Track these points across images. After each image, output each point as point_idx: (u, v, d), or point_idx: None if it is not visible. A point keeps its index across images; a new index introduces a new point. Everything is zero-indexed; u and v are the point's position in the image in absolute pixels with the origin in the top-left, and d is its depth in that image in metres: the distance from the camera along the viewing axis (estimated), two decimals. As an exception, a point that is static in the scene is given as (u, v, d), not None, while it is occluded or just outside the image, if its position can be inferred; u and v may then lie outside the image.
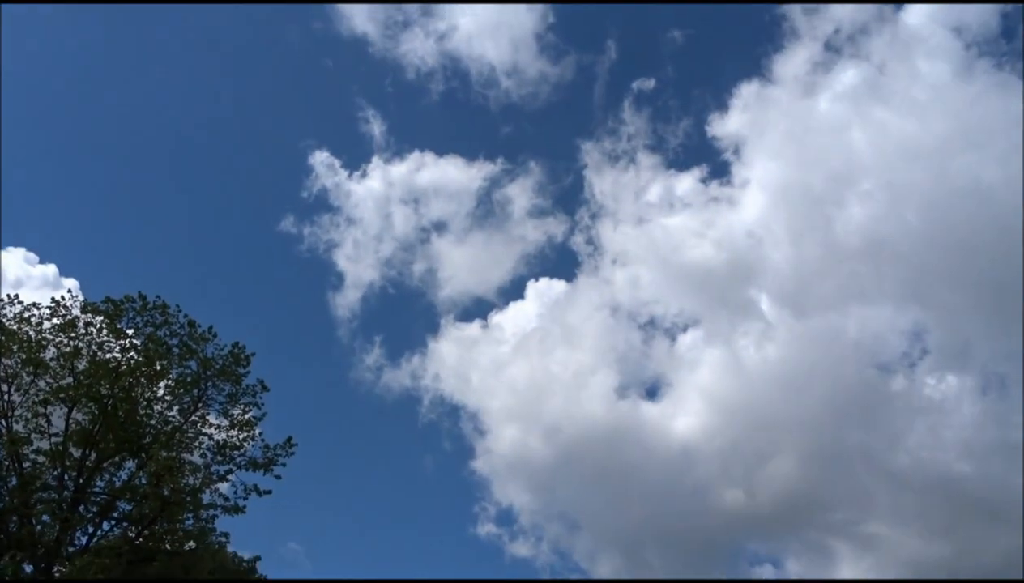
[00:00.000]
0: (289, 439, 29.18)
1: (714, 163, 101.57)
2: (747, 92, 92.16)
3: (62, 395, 27.38)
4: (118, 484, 28.12)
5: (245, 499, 28.20)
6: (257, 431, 29.13)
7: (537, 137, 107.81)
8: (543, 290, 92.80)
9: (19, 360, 27.09)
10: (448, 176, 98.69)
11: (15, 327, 27.44)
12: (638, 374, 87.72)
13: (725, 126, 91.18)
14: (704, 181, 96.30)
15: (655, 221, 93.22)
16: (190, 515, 27.66)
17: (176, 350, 28.90)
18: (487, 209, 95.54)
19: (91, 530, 27.30)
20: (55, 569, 25.91)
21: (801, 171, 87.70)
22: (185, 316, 28.93)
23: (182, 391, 28.93)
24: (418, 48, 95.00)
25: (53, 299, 28.29)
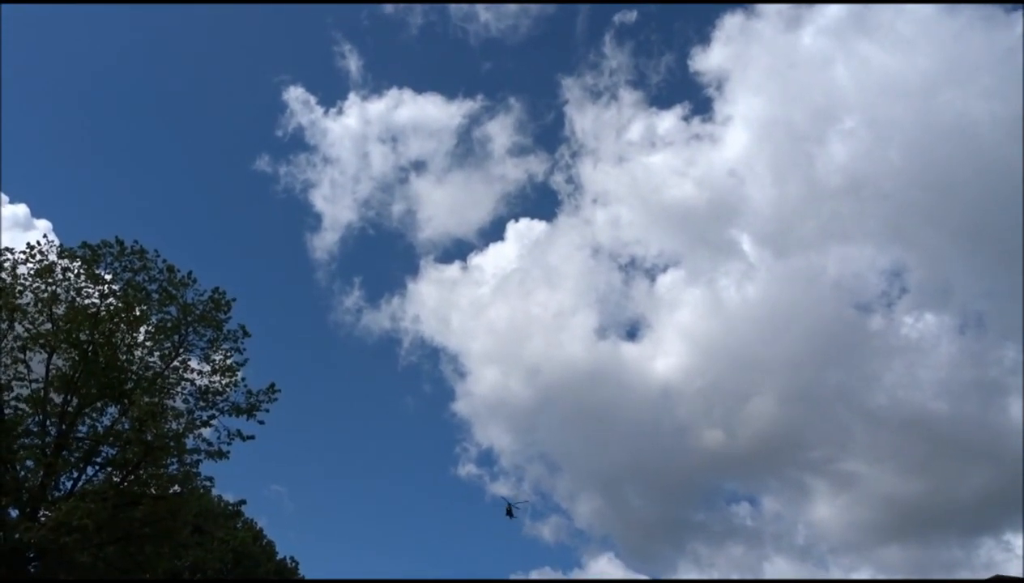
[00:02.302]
0: (272, 385, 29.30)
1: (696, 99, 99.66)
2: (730, 24, 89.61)
3: (41, 341, 27.17)
4: (101, 430, 28.14)
5: (229, 444, 28.42)
6: (239, 376, 29.07)
7: (517, 72, 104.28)
8: (523, 231, 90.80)
9: (-5, 306, 26.69)
10: (427, 113, 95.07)
11: (-10, 273, 26.99)
12: (618, 315, 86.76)
13: (708, 60, 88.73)
14: (686, 118, 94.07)
15: (636, 160, 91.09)
16: (174, 460, 27.79)
17: (155, 296, 28.73)
18: (467, 148, 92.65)
19: (75, 475, 27.43)
20: (40, 513, 26.04)
21: (784, 107, 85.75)
22: (164, 261, 28.77)
23: (162, 337, 28.79)
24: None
25: (28, 244, 27.85)
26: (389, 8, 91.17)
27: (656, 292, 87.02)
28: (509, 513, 53.22)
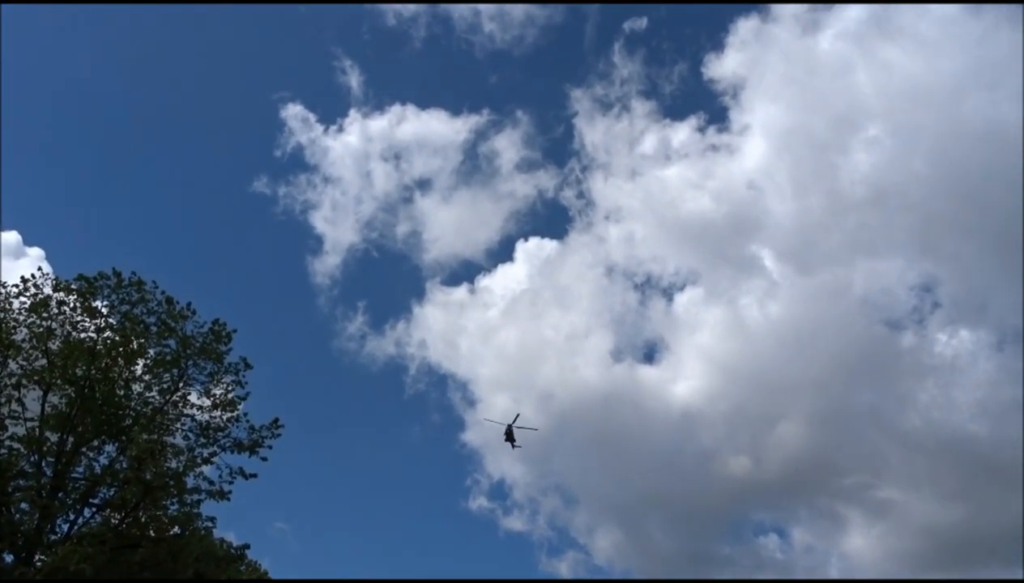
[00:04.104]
0: (275, 420, 28.33)
1: (712, 109, 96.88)
2: (744, 30, 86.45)
3: (36, 378, 26.30)
4: (98, 469, 27.18)
5: (231, 483, 27.39)
6: (241, 411, 28.16)
7: (525, 85, 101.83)
8: (533, 250, 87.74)
9: (-11, 342, 25.78)
10: (431, 129, 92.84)
11: (-18, 308, 26.07)
12: (635, 336, 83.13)
13: (722, 67, 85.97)
14: (701, 129, 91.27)
15: (650, 173, 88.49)
16: (174, 500, 26.82)
17: (154, 328, 27.85)
18: (473, 164, 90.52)
19: (72, 517, 26.41)
20: (36, 558, 25.05)
21: (803, 115, 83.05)
22: (162, 293, 27.95)
23: (161, 371, 27.92)
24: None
25: (23, 278, 26.92)
26: (391, 21, 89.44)
27: (674, 312, 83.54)
28: (510, 439, 47.44)
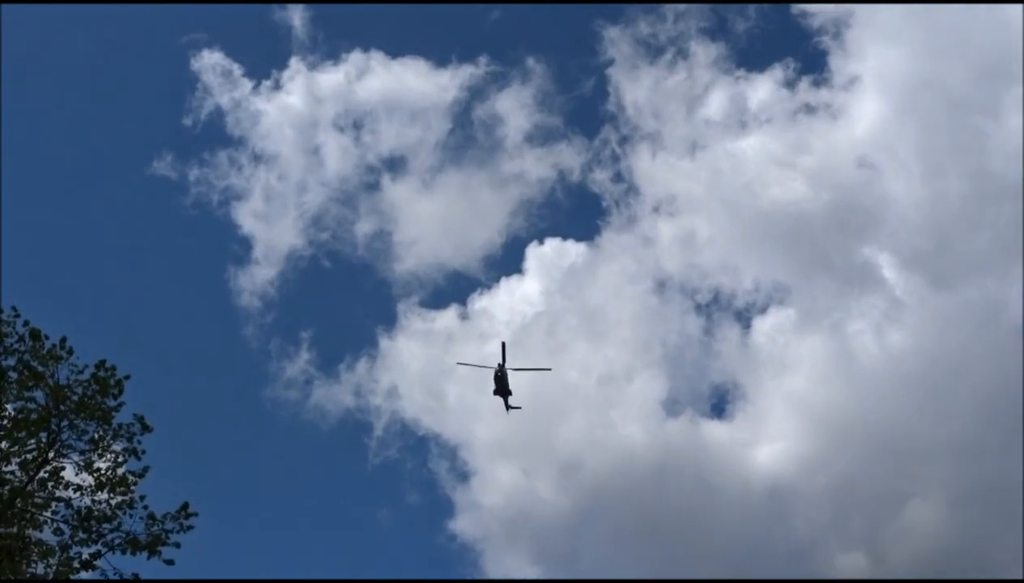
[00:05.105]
0: (184, 506, 22.00)
1: (805, 54, 67.12)
2: None
3: None
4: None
5: (121, 596, 21.48)
6: (136, 493, 22.03)
7: (537, 23, 73.84)
8: (551, 257, 64.04)
9: None
10: (406, 86, 67.10)
11: None
12: (697, 380, 61.05)
13: None
14: (790, 83, 65.81)
15: (718, 146, 64.92)
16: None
17: (12, 374, 21.98)
18: (466, 135, 66.10)
19: None
20: None
21: (936, 64, 61.43)
22: (25, 324, 21.87)
23: (23, 435, 21.82)
24: None
25: None
26: None
27: (753, 344, 62.53)
28: (502, 390, 41.81)
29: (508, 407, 44.22)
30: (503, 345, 41.95)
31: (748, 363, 61.51)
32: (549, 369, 43.76)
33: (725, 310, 62.14)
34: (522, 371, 42.49)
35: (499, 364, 41.62)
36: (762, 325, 61.85)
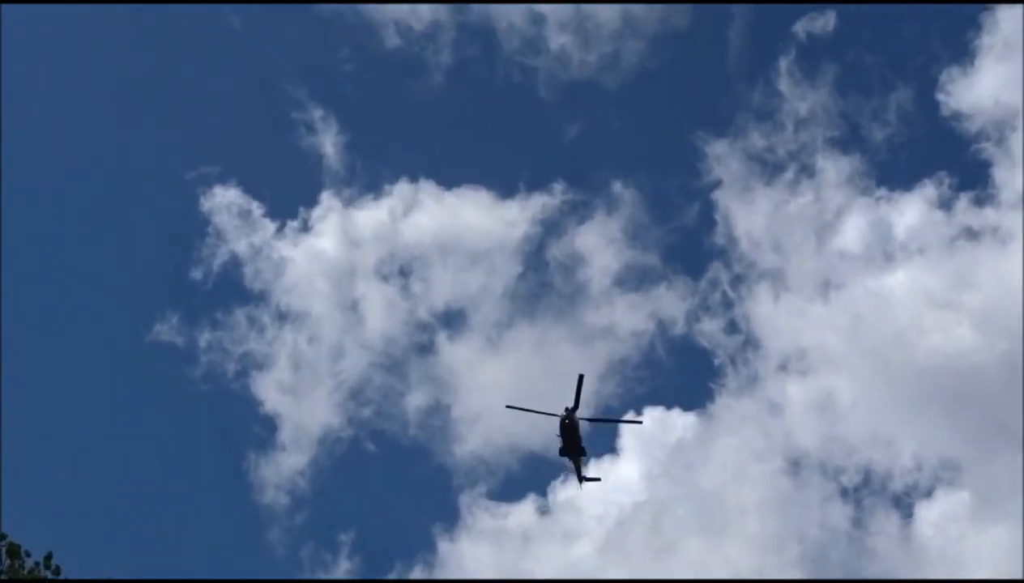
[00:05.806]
0: None
1: (962, 165, 57.05)
2: (1009, 23, 54.20)
3: None
4: None
5: None
6: None
7: (623, 139, 61.84)
8: (652, 431, 51.67)
9: None
10: (465, 223, 58.44)
11: None
12: None
13: (974, 90, 55.49)
14: (946, 202, 56.51)
15: (858, 284, 54.81)
16: None
17: None
18: (540, 279, 57.30)
19: None
20: None
21: None
22: (2, 539, 19.20)
23: None
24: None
25: None
26: (393, 38, 57.33)
27: (917, 536, 51.22)
28: (572, 448, 32.95)
29: (581, 478, 34.96)
30: (580, 378, 31.93)
31: (912, 562, 51.70)
32: (640, 422, 36.79)
33: (879, 494, 50.97)
34: (602, 422, 34.26)
35: (567, 409, 32.23)
36: (928, 513, 51.03)
